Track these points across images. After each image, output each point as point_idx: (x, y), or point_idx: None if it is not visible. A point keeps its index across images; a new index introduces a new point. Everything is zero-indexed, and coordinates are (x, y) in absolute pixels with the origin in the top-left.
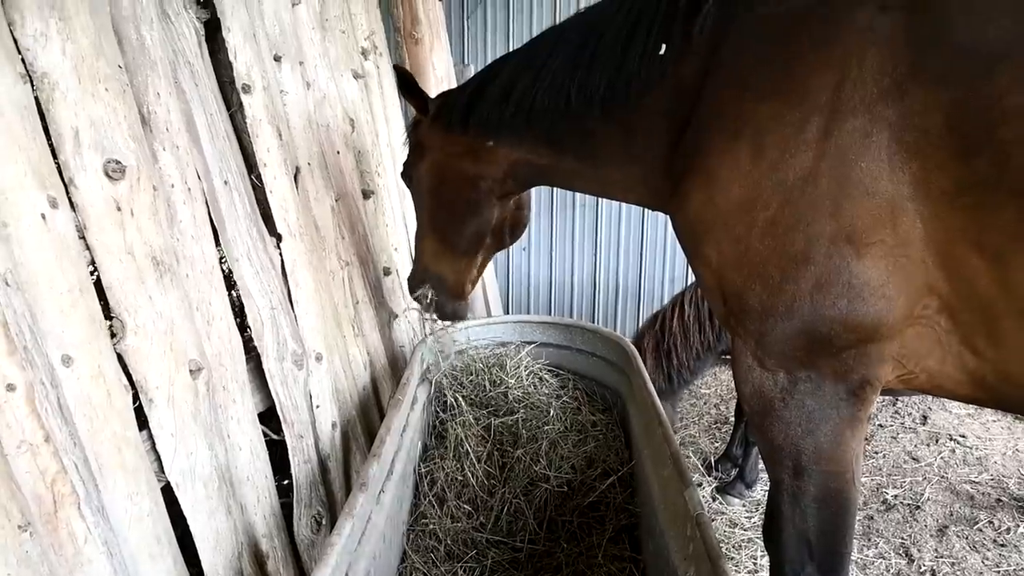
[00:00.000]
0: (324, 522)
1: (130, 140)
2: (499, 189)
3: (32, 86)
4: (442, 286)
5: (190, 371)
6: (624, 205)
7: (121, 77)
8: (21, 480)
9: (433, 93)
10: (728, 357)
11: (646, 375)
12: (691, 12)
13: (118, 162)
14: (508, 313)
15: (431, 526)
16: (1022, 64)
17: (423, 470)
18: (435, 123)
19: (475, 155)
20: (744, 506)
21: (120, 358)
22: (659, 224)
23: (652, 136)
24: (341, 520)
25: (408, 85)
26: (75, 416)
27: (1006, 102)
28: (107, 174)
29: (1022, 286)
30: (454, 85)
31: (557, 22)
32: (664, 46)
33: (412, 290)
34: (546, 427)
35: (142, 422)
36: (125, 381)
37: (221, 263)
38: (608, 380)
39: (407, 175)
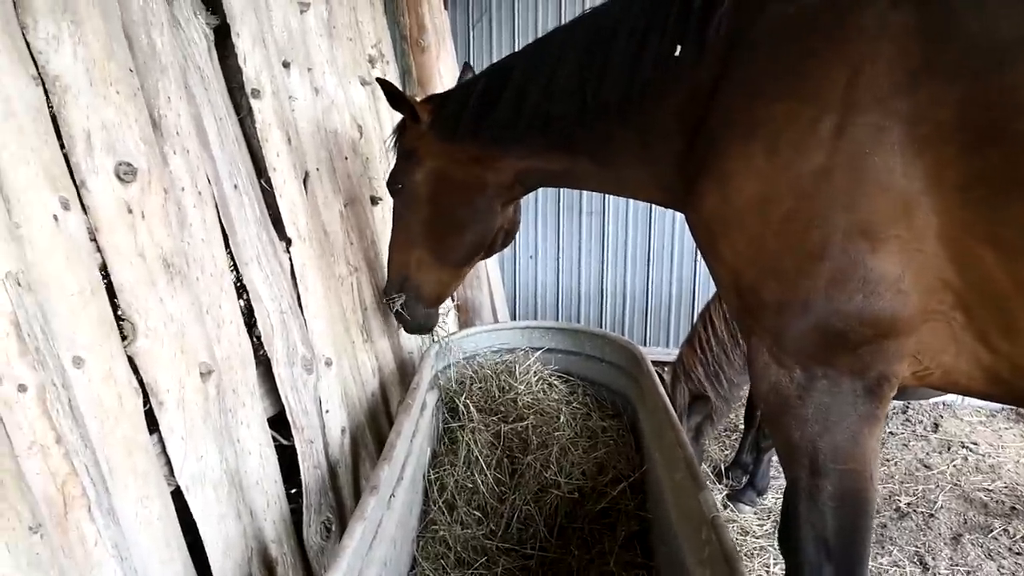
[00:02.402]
0: (333, 528)
1: (141, 143)
2: (505, 196)
3: (44, 89)
4: (420, 295)
5: (200, 374)
6: (631, 210)
7: (132, 81)
8: (32, 481)
9: None
10: None
11: (656, 379)
12: (706, 13)
13: (129, 165)
14: (515, 320)
15: (441, 532)
16: None
17: (432, 476)
18: (433, 130)
19: (482, 163)
20: (756, 513)
21: (130, 360)
22: (666, 230)
23: (667, 137)
24: (352, 523)
25: (394, 96)
26: (86, 418)
27: (1019, 95)
28: (118, 176)
29: None
30: None
31: None
32: (679, 47)
33: (386, 296)
34: (556, 433)
35: (152, 425)
36: (136, 383)
37: (231, 267)
38: (617, 385)
39: (396, 183)
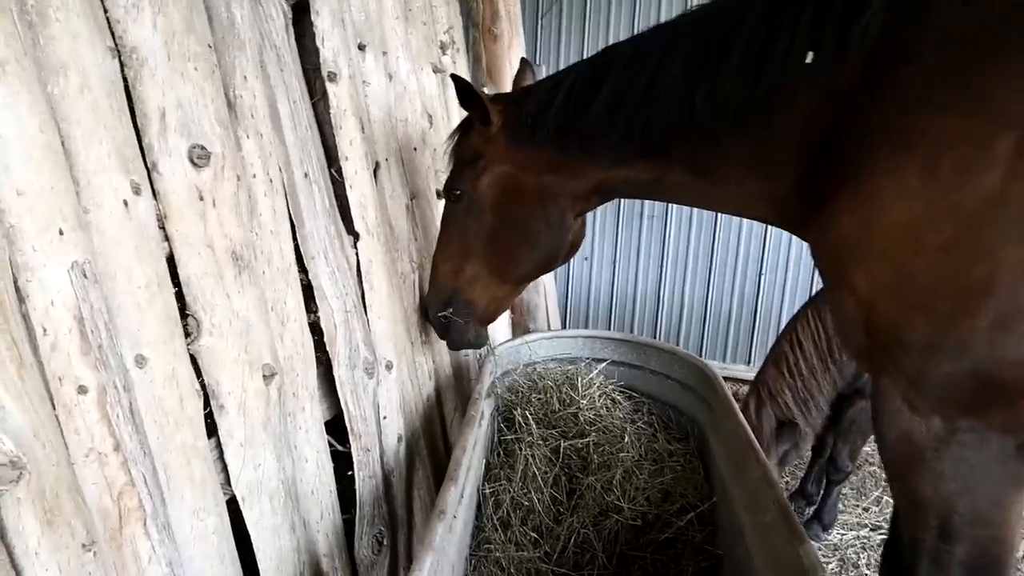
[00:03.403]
0: (385, 542)
1: (216, 125)
2: (580, 207)
3: (120, 62)
4: (472, 312)
5: (263, 376)
6: (696, 216)
7: (210, 57)
8: (87, 492)
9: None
10: None
11: (734, 404)
12: (850, 15)
13: (203, 148)
14: (565, 325)
15: (495, 553)
16: None
17: (487, 491)
18: (504, 134)
19: (561, 171)
20: (820, 549)
21: (192, 360)
22: (731, 239)
23: (787, 149)
24: (421, 553)
25: (467, 95)
26: (146, 423)
27: None
28: (192, 160)
29: None
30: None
31: (635, 24)
32: (811, 53)
33: (431, 312)
34: (621, 455)
35: (209, 430)
36: (197, 385)
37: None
38: (684, 405)
39: (455, 189)
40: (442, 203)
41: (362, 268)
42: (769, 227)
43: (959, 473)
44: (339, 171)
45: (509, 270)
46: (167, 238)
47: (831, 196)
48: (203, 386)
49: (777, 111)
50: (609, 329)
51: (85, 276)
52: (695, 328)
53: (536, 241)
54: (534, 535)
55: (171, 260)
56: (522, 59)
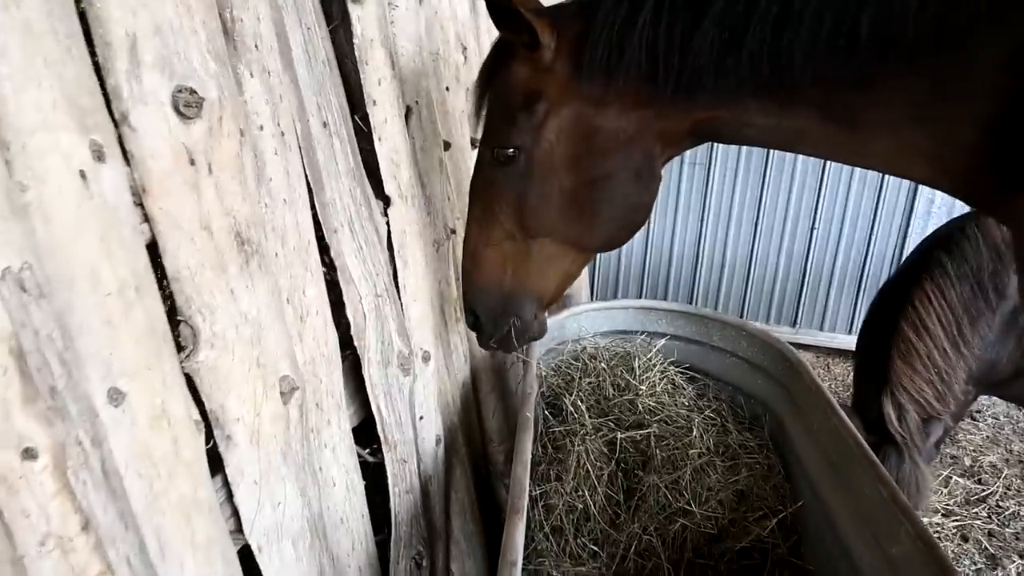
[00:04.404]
0: (424, 563)
1: (209, 59)
2: (669, 152)
3: None
4: (540, 301)
5: (281, 393)
6: (743, 162)
7: None
8: None
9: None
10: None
11: (827, 396)
12: None
13: (193, 91)
14: (594, 287)
15: (548, 568)
16: None
17: (536, 492)
18: (566, 62)
19: (649, 109)
20: None
21: (188, 381)
22: (781, 193)
23: (977, 92)
24: None
25: (500, 6)
26: (126, 480)
27: None
28: (177, 109)
29: None
30: None
31: None
32: None
33: (485, 323)
34: (691, 451)
35: (212, 464)
36: (196, 414)
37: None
38: (752, 388)
39: (507, 146)
40: (475, 154)
41: (394, 241)
42: (825, 177)
43: None
44: (364, 119)
45: (591, 239)
46: (147, 220)
47: None
48: (203, 414)
49: (972, 43)
50: (642, 289)
51: (24, 289)
52: (736, 287)
53: (626, 200)
54: (593, 547)
55: (154, 250)
56: None
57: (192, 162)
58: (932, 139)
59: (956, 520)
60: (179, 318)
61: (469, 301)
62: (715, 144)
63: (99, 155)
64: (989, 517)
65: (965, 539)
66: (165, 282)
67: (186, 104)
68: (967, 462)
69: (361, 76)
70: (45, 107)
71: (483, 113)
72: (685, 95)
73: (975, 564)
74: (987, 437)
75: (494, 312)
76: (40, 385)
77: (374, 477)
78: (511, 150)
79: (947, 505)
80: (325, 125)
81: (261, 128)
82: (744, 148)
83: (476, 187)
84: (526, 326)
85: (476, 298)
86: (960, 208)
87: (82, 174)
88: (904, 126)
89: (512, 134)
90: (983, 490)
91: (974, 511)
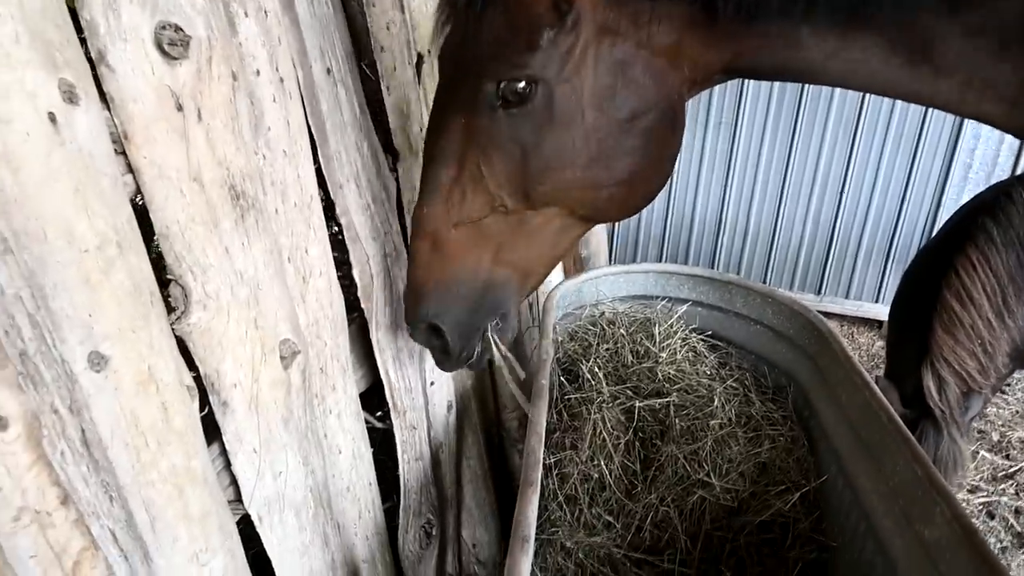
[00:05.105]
0: (434, 532)
1: None
2: (694, 91)
3: None
4: (523, 290)
5: (281, 358)
6: (770, 124)
7: None
8: (23, 571)
9: None
10: None
11: (859, 368)
12: None
13: (178, 28)
14: (612, 251)
15: (561, 538)
16: None
17: (550, 461)
18: None
19: (691, 36)
20: None
21: (180, 344)
22: (810, 157)
23: None
24: None
25: None
26: (111, 450)
27: None
28: (161, 48)
29: None
30: None
31: None
32: None
33: (461, 340)
34: (712, 421)
35: (209, 432)
36: (189, 380)
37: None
38: (777, 358)
39: (519, 79)
40: None
41: (403, 198)
42: (857, 139)
43: None
44: (371, 66)
45: (610, 203)
46: (131, 170)
47: None
48: (197, 380)
49: None
50: (662, 254)
51: None
52: (759, 256)
53: (659, 148)
54: (608, 518)
55: (139, 209)
56: None
57: (180, 107)
58: (1015, 72)
59: (982, 496)
60: (169, 277)
61: (425, 309)
62: (743, 103)
63: (70, 96)
64: (1016, 494)
65: (991, 516)
66: (153, 240)
67: (171, 42)
68: (995, 437)
69: (368, 19)
70: (7, 42)
71: (456, 24)
72: (744, 18)
73: (1001, 542)
74: (1016, 412)
75: (466, 317)
76: (8, 349)
77: (383, 444)
78: (522, 84)
79: (973, 481)
80: (329, 72)
81: (257, 73)
82: (773, 107)
83: (442, 142)
84: (508, 325)
85: (439, 302)
86: (998, 175)
87: (51, 117)
88: (986, 59)
89: (528, 61)
90: (1011, 466)
91: (1001, 487)
